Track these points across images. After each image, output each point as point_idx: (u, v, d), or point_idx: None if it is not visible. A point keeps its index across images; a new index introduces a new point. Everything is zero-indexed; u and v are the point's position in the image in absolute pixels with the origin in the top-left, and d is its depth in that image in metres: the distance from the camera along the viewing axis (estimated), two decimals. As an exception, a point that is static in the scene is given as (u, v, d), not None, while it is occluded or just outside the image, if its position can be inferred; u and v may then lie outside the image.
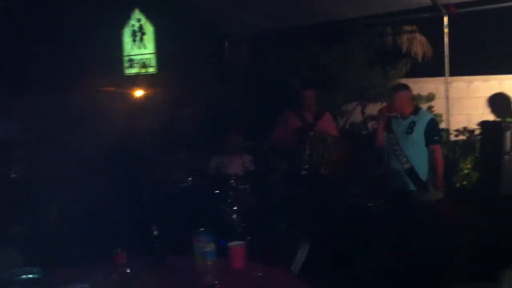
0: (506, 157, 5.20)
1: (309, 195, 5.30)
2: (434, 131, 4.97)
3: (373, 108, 8.29)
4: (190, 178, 5.44)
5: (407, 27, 8.90)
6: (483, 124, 6.28)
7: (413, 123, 4.94)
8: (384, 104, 7.17)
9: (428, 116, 5.07)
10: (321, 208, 5.19)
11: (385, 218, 5.35)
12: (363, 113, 8.29)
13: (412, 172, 4.93)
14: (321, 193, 5.32)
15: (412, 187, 4.95)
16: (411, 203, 4.89)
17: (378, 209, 5.69)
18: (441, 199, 4.92)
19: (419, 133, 4.91)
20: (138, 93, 9.01)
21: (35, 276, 2.46)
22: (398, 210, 5.04)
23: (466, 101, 7.64)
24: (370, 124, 8.33)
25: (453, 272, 4.23)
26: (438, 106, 7.34)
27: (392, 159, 5.07)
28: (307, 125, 5.59)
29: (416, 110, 5.07)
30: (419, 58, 8.78)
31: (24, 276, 2.45)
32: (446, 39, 6.70)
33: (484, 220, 4.98)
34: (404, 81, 7.89)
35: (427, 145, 4.92)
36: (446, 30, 6.66)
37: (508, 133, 5.21)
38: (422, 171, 4.94)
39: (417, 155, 4.94)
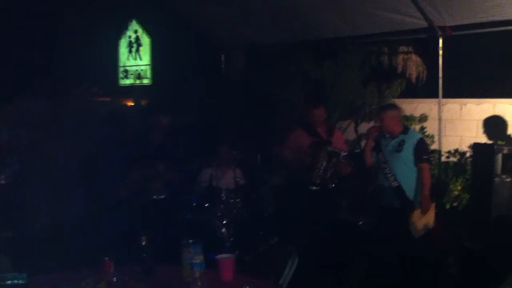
0: (497, 179, 5.21)
1: (305, 210, 5.29)
2: (423, 150, 5.03)
3: (366, 127, 8.31)
4: (180, 189, 5.41)
5: (404, 48, 8.97)
6: (475, 146, 6.30)
7: (403, 142, 5.01)
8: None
9: (417, 135, 5.17)
10: (313, 224, 5.18)
11: (375, 236, 5.35)
12: (356, 131, 8.31)
13: (399, 191, 4.98)
14: (317, 208, 5.30)
15: (397, 205, 4.99)
16: (398, 222, 4.90)
17: (369, 226, 5.70)
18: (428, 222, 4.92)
19: (408, 152, 4.98)
20: (132, 102, 9.04)
21: (21, 281, 2.44)
22: (386, 228, 5.04)
23: (459, 123, 7.68)
24: (363, 142, 8.36)
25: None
26: (431, 127, 7.38)
27: (381, 177, 5.13)
28: (323, 141, 5.57)
29: (405, 129, 5.17)
30: (414, 79, 8.84)
31: (9, 282, 2.43)
32: (440, 60, 6.75)
33: (473, 241, 4.99)
34: (398, 101, 7.93)
35: (415, 163, 4.97)
36: (441, 52, 6.71)
37: (499, 156, 5.23)
38: (410, 189, 4.99)
39: (405, 173, 4.99)
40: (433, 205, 5.04)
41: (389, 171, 5.02)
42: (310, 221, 5.17)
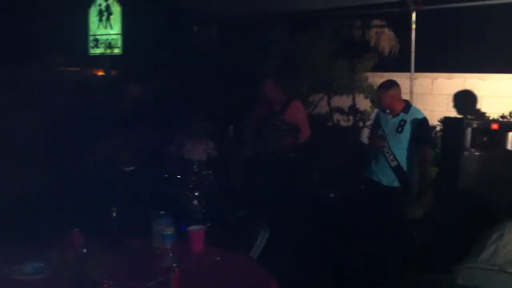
0: (466, 153, 5.29)
1: (270, 183, 5.29)
2: (424, 132, 4.81)
3: (339, 100, 8.35)
4: (151, 161, 5.37)
5: (377, 22, 8.96)
6: (445, 121, 6.38)
7: (403, 122, 4.78)
8: (361, 97, 7.38)
9: (419, 116, 4.85)
10: (282, 196, 5.20)
11: (344, 208, 5.40)
12: (329, 104, 8.34)
13: (399, 170, 4.82)
14: (281, 182, 5.31)
15: (397, 184, 4.85)
16: (389, 201, 4.81)
17: (340, 199, 5.75)
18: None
19: (407, 132, 4.76)
20: (102, 72, 8.87)
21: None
22: (366, 204, 5.03)
23: (430, 97, 7.75)
24: (335, 116, 8.39)
25: (411, 263, 4.30)
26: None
27: (378, 155, 4.93)
28: (273, 114, 5.57)
29: (407, 107, 4.88)
30: (386, 53, 8.86)
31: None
32: (413, 35, 6.76)
33: (440, 213, 5.08)
34: (370, 75, 7.97)
35: (417, 145, 4.76)
36: (413, 26, 6.72)
37: (468, 130, 5.30)
38: (409, 172, 4.83)
39: (405, 155, 4.81)
40: (431, 192, 4.95)
41: (388, 150, 4.83)
42: (278, 193, 5.15)
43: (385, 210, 4.75)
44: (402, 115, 4.84)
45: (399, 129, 4.81)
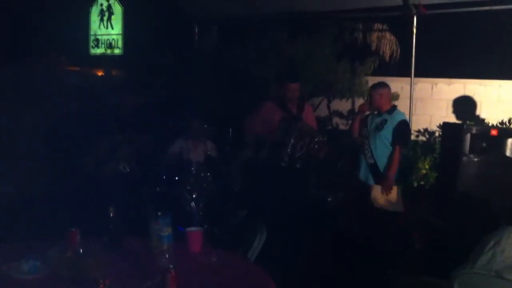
0: (465, 158, 5.30)
1: (273, 186, 5.26)
2: (401, 133, 5.05)
3: (339, 104, 8.34)
4: (150, 162, 5.37)
5: (378, 25, 8.96)
6: (444, 126, 6.38)
7: (385, 121, 5.05)
8: (361, 101, 7.39)
9: (400, 117, 5.13)
10: (281, 199, 5.19)
11: (344, 212, 5.42)
12: (328, 108, 8.33)
13: (375, 168, 5.06)
14: (287, 184, 5.29)
15: (372, 182, 5.09)
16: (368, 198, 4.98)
17: (337, 202, 5.75)
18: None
19: (387, 132, 5.02)
20: (103, 72, 8.88)
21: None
22: (356, 203, 5.13)
23: (430, 102, 7.76)
24: (334, 120, 8.39)
25: (408, 267, 4.31)
26: (402, 106, 7.41)
27: (360, 152, 5.21)
28: (293, 117, 5.49)
29: (392, 109, 5.16)
30: (387, 57, 8.85)
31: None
32: (414, 39, 6.76)
33: (438, 218, 5.09)
34: (370, 79, 7.95)
35: (391, 144, 5.02)
36: (414, 30, 6.72)
37: (467, 136, 5.31)
38: (385, 168, 5.05)
39: (382, 153, 5.05)
40: (396, 188, 5.05)
41: (368, 148, 5.10)
42: (279, 196, 5.15)
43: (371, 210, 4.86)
44: (385, 115, 5.11)
45: (380, 127, 5.07)
